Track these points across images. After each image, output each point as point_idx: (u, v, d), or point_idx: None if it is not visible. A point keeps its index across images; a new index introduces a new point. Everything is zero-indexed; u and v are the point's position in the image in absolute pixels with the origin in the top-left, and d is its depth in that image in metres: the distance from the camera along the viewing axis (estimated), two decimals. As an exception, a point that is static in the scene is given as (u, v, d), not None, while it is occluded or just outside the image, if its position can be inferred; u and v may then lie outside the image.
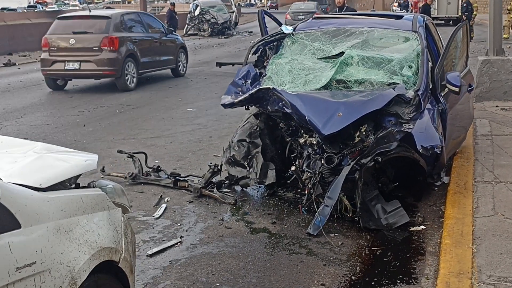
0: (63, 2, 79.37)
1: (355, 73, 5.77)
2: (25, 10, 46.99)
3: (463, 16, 22.67)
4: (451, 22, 35.33)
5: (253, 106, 6.03)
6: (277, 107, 5.60)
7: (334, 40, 6.31)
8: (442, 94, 5.75)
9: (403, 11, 38.60)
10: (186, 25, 33.81)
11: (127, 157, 6.66)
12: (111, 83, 13.51)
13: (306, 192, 5.30)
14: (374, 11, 29.45)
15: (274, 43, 6.60)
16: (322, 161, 5.25)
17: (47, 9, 59.07)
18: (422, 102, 5.37)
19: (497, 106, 8.91)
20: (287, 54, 6.38)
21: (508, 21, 21.75)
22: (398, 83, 5.58)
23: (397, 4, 47.49)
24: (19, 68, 18.37)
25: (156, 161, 7.21)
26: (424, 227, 5.01)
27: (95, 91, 13.26)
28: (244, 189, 6.11)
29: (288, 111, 5.46)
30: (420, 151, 5.00)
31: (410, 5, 40.93)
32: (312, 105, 5.34)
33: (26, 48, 23.30)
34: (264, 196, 5.95)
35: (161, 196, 5.96)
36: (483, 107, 8.85)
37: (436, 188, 5.93)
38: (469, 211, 4.70)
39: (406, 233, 4.95)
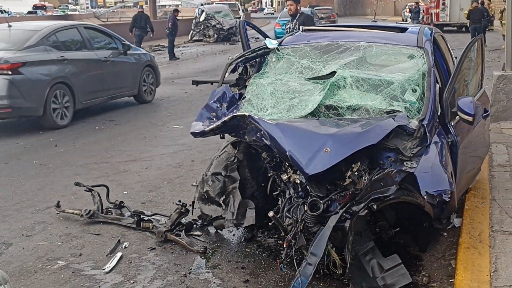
0: (66, 5, 78.65)
1: (348, 97, 4.83)
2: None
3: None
4: (463, 28, 34.35)
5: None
6: (255, 138, 4.69)
7: (325, 57, 5.38)
8: (452, 124, 4.81)
9: (414, 19, 37.63)
10: (192, 31, 33.10)
11: (85, 190, 5.75)
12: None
13: (285, 245, 4.35)
14: (375, 21, 28.29)
15: (257, 60, 5.68)
16: (305, 207, 4.30)
17: (53, 14, 58.90)
18: (428, 134, 4.43)
19: (515, 128, 7.93)
20: (271, 73, 5.45)
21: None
22: (399, 111, 4.64)
23: (408, 10, 46.44)
24: None
25: (125, 192, 6.32)
26: (429, 291, 4.07)
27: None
28: (218, 231, 5.20)
29: (267, 143, 4.54)
30: (425, 198, 4.06)
31: (422, 11, 39.86)
32: (295, 137, 4.41)
33: None
34: (240, 242, 5.03)
35: (118, 240, 5.04)
36: (500, 128, 7.87)
37: (445, 234, 4.98)
38: (486, 277, 3.74)
39: (407, 299, 4.02)
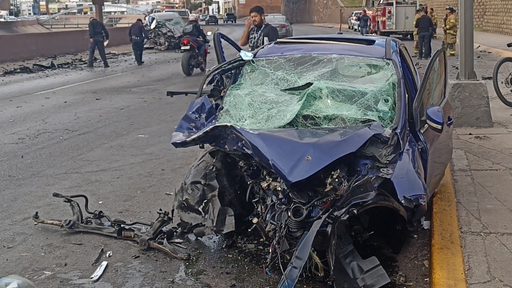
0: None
1: (325, 107, 5.06)
2: None
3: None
4: (409, 36, 35.28)
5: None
6: (236, 147, 4.87)
7: (299, 68, 5.60)
8: (421, 131, 5.10)
9: (363, 27, 38.31)
10: (142, 39, 32.99)
11: (64, 201, 5.81)
12: (59, 104, 12.58)
13: (270, 250, 4.54)
14: (341, 33, 28.92)
15: (232, 71, 5.86)
16: (289, 213, 4.51)
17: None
18: (401, 141, 4.70)
19: (470, 134, 8.34)
20: (247, 84, 5.64)
21: (451, 38, 21.65)
22: (373, 120, 4.91)
23: (355, 17, 47.33)
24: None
25: (100, 202, 6.39)
26: (407, 290, 4.33)
27: (39, 114, 12.30)
28: (199, 238, 5.34)
29: (249, 152, 4.73)
30: (402, 202, 4.31)
31: (369, 19, 40.72)
32: (276, 147, 4.61)
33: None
34: (221, 248, 5.18)
35: (102, 249, 5.13)
36: (456, 134, 8.26)
37: (416, 236, 5.26)
38: (461, 275, 4.02)
39: (387, 298, 4.26)
